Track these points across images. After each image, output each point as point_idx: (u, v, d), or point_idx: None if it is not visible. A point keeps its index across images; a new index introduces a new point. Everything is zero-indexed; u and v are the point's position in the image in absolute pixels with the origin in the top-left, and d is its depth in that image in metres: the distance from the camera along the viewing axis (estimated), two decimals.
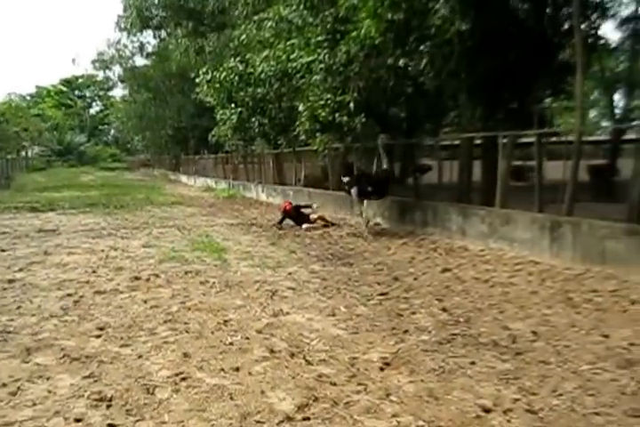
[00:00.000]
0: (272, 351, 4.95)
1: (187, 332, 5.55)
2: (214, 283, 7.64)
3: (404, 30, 11.53)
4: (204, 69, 19.30)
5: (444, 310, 6.26)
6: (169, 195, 26.05)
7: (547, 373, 4.44)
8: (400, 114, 14.27)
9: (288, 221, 14.13)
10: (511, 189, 11.62)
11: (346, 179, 12.69)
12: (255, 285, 7.54)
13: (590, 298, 6.61)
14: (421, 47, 11.73)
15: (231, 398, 4.01)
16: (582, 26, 10.88)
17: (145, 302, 6.74)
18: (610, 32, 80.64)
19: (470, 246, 10.24)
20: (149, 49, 40.18)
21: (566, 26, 11.93)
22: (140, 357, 4.88)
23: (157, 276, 8.11)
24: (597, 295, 6.71)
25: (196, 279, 7.90)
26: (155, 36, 37.66)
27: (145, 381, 4.34)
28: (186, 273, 8.29)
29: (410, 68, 12.35)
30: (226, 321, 5.87)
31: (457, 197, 12.93)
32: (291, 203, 14.89)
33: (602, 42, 14.57)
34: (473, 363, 4.63)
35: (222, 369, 4.55)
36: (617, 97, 30.15)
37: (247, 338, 5.32)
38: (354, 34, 11.78)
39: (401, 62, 12.44)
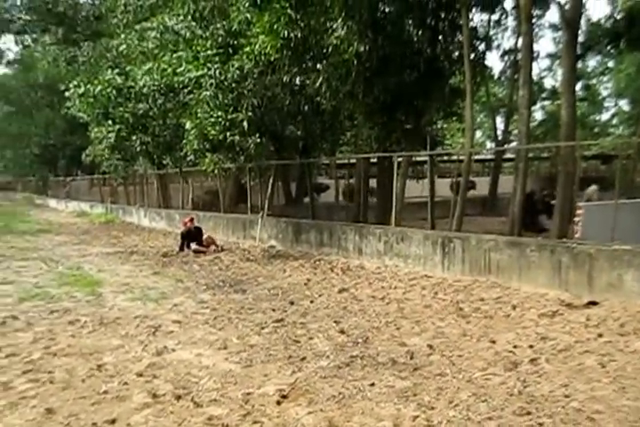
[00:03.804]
0: (155, 396, 4.41)
1: (51, 382, 4.76)
2: (86, 322, 6.75)
3: (301, 48, 11.28)
4: (77, 82, 17.18)
5: (342, 332, 6.13)
6: (34, 222, 23.39)
7: (443, 385, 4.47)
8: (296, 133, 13.79)
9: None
10: (405, 206, 11.86)
11: None
12: (135, 321, 6.81)
13: (478, 307, 6.94)
14: (318, 66, 11.63)
15: None
16: (471, 55, 11.47)
17: None
18: (495, 61, 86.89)
19: (367, 265, 10.30)
20: (10, 56, 36.11)
21: (457, 54, 12.51)
22: None
23: (15, 318, 6.98)
24: (484, 304, 7.08)
25: (64, 319, 6.94)
26: (17, 42, 32.67)
27: None
28: (51, 312, 7.27)
29: (306, 87, 12.15)
30: (100, 366, 5.14)
31: (354, 216, 13.07)
32: (193, 219, 13.66)
33: (487, 70, 15.48)
34: (372, 384, 4.52)
35: (94, 424, 3.96)
36: (499, 120, 33.50)
37: (125, 383, 4.69)
38: (247, 49, 11.27)
39: (297, 80, 12.26)
